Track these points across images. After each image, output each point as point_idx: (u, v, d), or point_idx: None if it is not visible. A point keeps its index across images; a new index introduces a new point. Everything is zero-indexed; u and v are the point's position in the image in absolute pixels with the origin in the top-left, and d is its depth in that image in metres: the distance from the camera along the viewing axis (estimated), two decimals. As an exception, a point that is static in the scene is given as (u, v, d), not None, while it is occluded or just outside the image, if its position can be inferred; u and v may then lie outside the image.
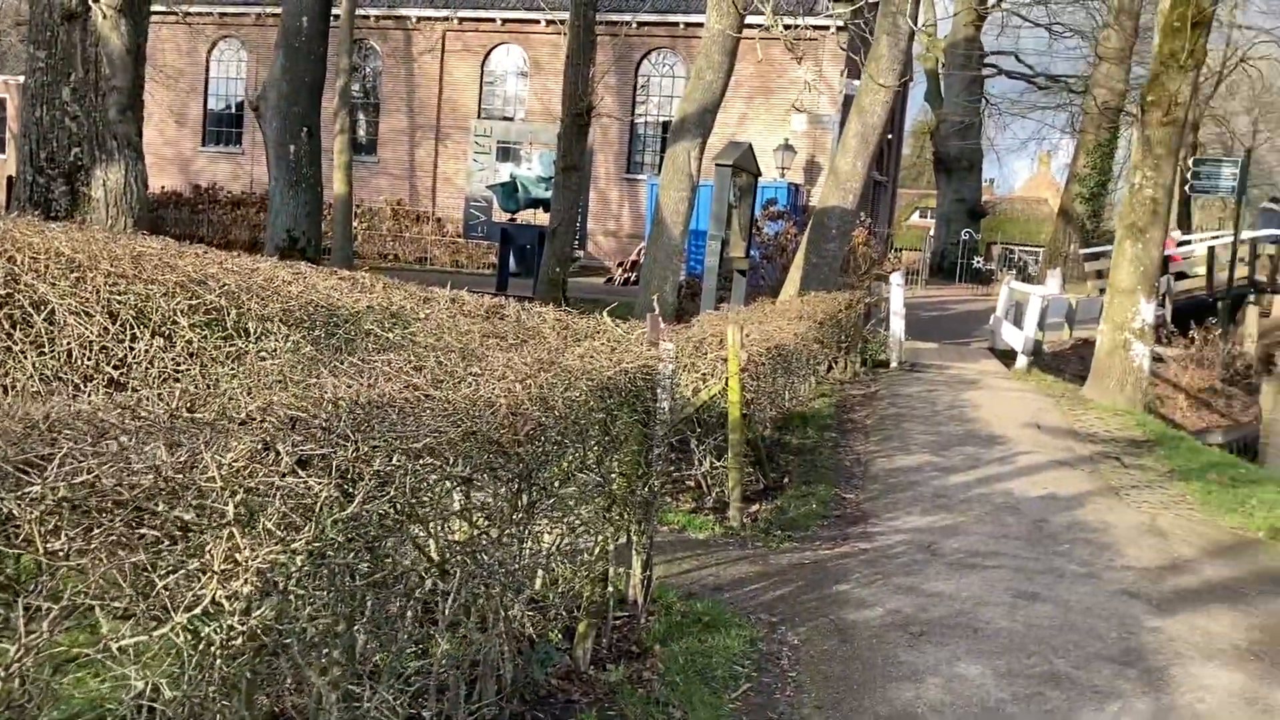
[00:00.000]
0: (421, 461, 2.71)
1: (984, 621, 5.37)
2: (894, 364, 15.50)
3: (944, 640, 5.11)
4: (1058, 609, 5.65)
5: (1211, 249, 25.16)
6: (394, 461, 2.58)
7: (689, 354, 7.10)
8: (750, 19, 14.55)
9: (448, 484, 3.13)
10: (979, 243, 41.23)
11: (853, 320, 14.65)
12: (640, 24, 27.44)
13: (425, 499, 2.86)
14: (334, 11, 16.24)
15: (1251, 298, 24.63)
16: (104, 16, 9.67)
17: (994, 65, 40.49)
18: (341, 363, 3.59)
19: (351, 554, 2.54)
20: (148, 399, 2.56)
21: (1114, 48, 30.64)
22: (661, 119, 27.74)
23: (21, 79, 32.35)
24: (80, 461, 1.99)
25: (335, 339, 4.56)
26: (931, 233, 42.65)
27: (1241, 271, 24.07)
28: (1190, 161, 28.44)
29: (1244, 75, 49.85)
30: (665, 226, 14.18)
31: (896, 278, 16.69)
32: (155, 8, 11.94)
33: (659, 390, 5.04)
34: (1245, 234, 25.77)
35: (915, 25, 15.00)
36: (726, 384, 6.96)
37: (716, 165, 13.80)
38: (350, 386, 3.08)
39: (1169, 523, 7.73)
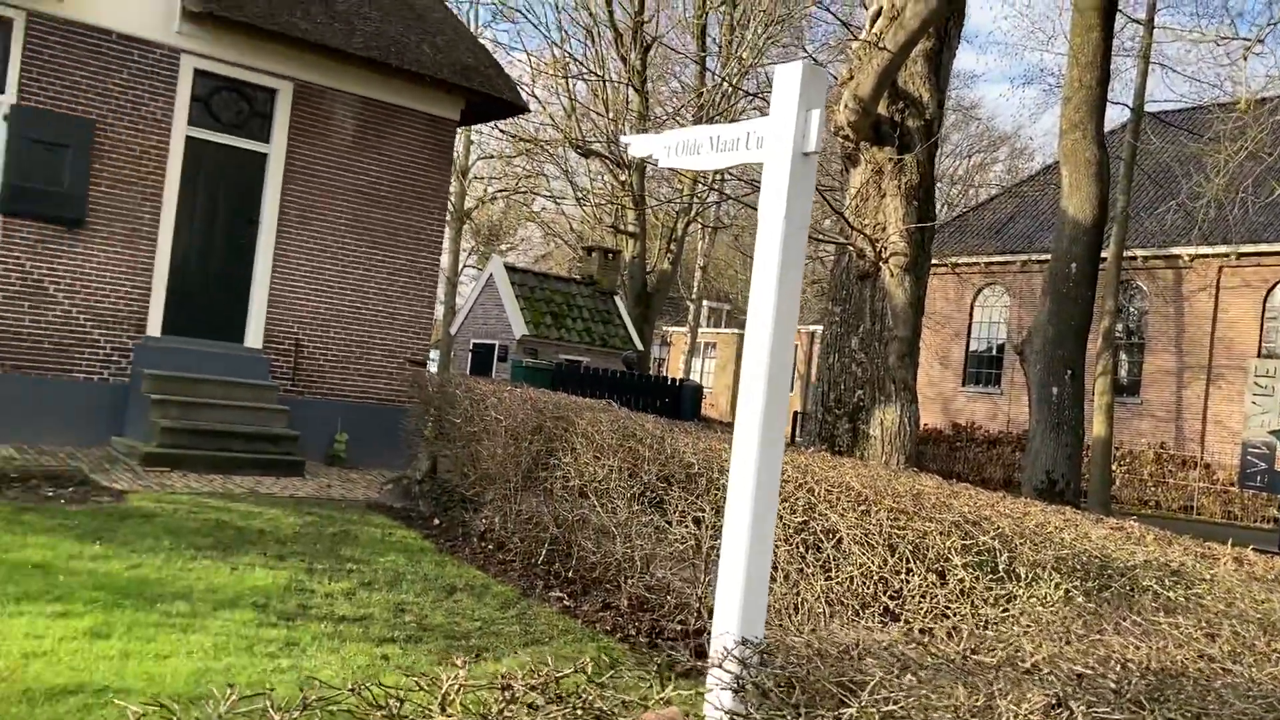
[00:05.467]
0: (1227, 747, 2.43)
1: None
2: None
3: None
4: None
5: None
6: (1196, 742, 2.35)
7: None
8: None
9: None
10: None
11: None
12: None
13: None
14: (1101, 255, 16.24)
15: None
16: (891, 274, 10.81)
17: None
18: (1123, 620, 3.42)
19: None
20: (939, 637, 2.67)
21: None
22: None
23: (810, 329, 37.17)
24: (888, 692, 2.13)
25: (1109, 592, 4.35)
26: None
27: None
28: None
29: None
30: None
31: None
32: (931, 262, 13.07)
33: None
34: None
35: None
36: None
37: None
38: (1138, 649, 2.91)
39: None
